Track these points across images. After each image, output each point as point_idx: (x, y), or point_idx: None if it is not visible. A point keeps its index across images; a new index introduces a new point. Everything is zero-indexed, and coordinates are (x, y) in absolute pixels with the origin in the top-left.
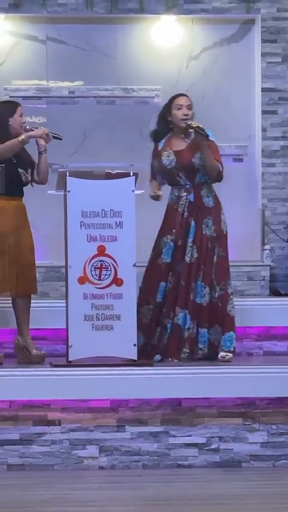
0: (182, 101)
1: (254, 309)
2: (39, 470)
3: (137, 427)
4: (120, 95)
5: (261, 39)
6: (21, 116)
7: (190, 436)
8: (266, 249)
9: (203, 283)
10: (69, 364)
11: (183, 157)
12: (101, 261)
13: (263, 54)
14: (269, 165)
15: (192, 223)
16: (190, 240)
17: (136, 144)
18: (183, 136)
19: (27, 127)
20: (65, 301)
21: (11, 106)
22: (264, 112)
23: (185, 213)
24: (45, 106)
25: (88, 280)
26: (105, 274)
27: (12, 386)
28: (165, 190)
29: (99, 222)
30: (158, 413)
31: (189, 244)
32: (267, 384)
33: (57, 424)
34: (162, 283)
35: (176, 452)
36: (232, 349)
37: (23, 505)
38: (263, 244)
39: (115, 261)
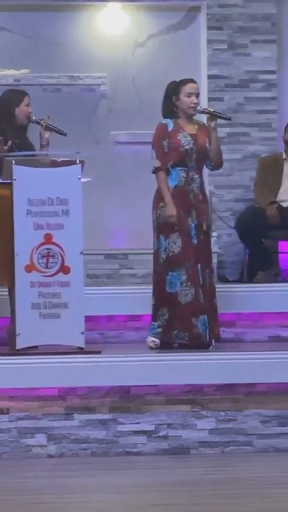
0: (192, 88)
1: None
2: None
3: (85, 414)
4: (66, 82)
5: (207, 26)
6: (27, 105)
7: (138, 423)
8: (213, 236)
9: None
10: (17, 353)
11: (198, 140)
12: (47, 249)
13: (209, 41)
14: None
15: (200, 207)
16: (201, 222)
17: (82, 132)
18: (190, 121)
19: (34, 118)
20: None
21: (18, 95)
22: (210, 99)
23: (195, 196)
24: None
25: (35, 269)
26: (52, 262)
27: None
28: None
29: (46, 210)
30: (106, 400)
31: (202, 226)
32: (215, 370)
33: (5, 413)
34: (199, 265)
35: (124, 439)
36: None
37: None
38: (211, 231)
39: (62, 249)
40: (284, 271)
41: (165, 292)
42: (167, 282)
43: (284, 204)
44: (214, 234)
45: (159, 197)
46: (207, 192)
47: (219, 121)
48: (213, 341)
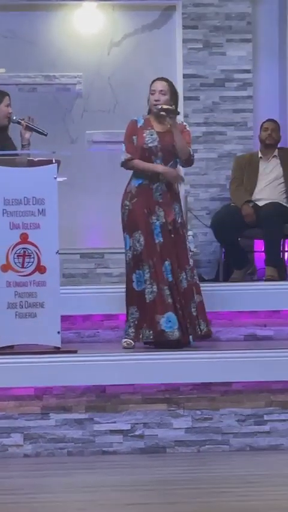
0: (155, 85)
1: None
2: None
3: (61, 414)
4: (42, 82)
5: (182, 26)
6: (8, 105)
7: (115, 422)
8: (189, 235)
9: (190, 267)
10: None
11: (165, 138)
12: (24, 248)
13: (184, 41)
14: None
15: (167, 205)
16: (169, 220)
17: (58, 131)
18: (160, 119)
19: (14, 118)
20: None
21: None
22: (186, 98)
23: (161, 194)
24: None
25: (11, 268)
26: (28, 262)
27: None
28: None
29: (22, 210)
30: (83, 400)
31: (169, 225)
32: (191, 369)
33: None
34: (166, 263)
35: (100, 439)
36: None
37: None
38: (186, 230)
39: (38, 249)
40: (259, 270)
41: (134, 291)
42: (134, 281)
43: (260, 203)
44: (190, 233)
45: (124, 196)
46: (181, 190)
47: (196, 120)
48: (190, 337)
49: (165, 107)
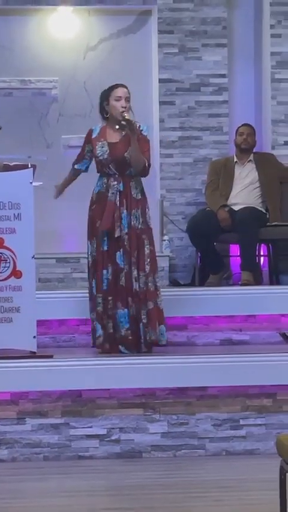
0: (120, 92)
1: None
2: None
3: (37, 419)
4: (17, 86)
5: (158, 30)
6: None
7: (91, 427)
8: (165, 240)
9: (139, 272)
10: None
11: (116, 150)
12: None
13: (160, 45)
14: (167, 156)
15: (124, 212)
16: (125, 230)
17: (33, 135)
18: (118, 127)
19: None
20: None
21: None
22: (161, 103)
23: (117, 203)
24: None
25: None
26: (4, 267)
27: None
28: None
29: None
30: (59, 405)
31: (125, 234)
32: (167, 374)
33: None
34: (104, 272)
35: (76, 443)
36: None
37: None
38: (162, 234)
39: (14, 253)
40: (235, 274)
41: (93, 296)
42: (93, 287)
43: (235, 208)
44: (166, 237)
45: (90, 203)
46: (156, 195)
47: (171, 124)
48: (142, 345)
49: (127, 117)
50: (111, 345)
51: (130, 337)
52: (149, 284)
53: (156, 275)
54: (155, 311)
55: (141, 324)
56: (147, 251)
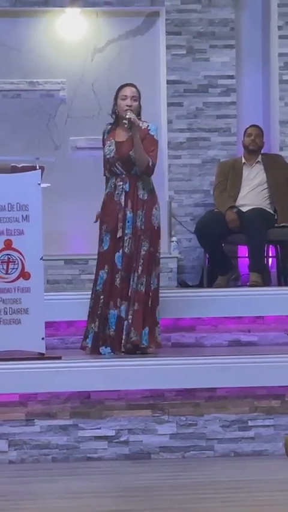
0: (127, 91)
1: (162, 301)
2: None
3: (46, 420)
4: (25, 88)
5: (166, 32)
6: None
7: (99, 428)
8: (173, 241)
9: (137, 274)
10: None
11: (122, 148)
12: (8, 254)
13: (168, 47)
14: (175, 157)
15: (129, 213)
16: (128, 231)
17: (41, 137)
18: (126, 126)
19: None
20: None
21: None
22: (169, 104)
23: (122, 203)
24: None
25: None
26: (13, 268)
27: None
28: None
29: (6, 216)
30: (67, 406)
31: (127, 235)
32: (176, 375)
33: None
34: (101, 272)
35: (85, 445)
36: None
37: None
38: (170, 236)
39: (22, 255)
40: (243, 275)
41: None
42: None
43: (244, 209)
44: (174, 239)
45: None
46: (164, 196)
47: (179, 126)
48: (122, 347)
49: (128, 116)
50: (94, 345)
51: (114, 338)
52: (139, 285)
53: (151, 277)
54: (140, 312)
55: (125, 323)
56: (143, 252)
